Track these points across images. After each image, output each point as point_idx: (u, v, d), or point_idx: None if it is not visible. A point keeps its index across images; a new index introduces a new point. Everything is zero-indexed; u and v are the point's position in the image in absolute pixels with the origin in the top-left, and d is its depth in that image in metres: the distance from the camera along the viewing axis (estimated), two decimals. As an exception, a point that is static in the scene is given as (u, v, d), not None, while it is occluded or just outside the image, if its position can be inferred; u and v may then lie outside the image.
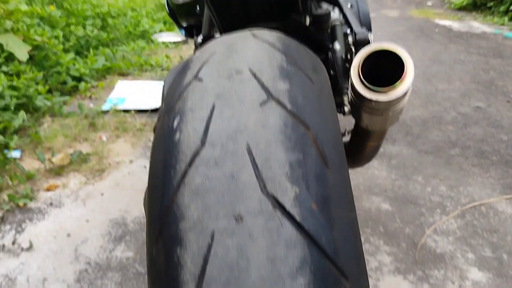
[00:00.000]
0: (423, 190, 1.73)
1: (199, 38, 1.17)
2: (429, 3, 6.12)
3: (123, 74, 3.08)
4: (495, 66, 3.28)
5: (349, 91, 0.72)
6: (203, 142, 0.45)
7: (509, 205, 1.64)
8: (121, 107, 2.49)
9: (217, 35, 1.14)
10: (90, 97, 2.67)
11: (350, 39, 0.92)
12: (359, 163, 1.02)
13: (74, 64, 2.78)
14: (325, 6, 1.03)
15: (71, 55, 2.84)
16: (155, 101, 2.58)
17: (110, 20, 3.67)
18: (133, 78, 3.02)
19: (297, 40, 0.62)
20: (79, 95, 2.67)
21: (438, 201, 1.66)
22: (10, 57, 2.48)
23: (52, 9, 3.17)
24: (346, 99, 1.02)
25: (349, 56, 1.00)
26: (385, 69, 0.65)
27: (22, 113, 2.09)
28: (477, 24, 4.92)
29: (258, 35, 0.58)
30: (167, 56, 3.40)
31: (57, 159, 1.88)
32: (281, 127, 0.44)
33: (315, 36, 0.91)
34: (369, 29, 1.40)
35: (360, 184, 1.78)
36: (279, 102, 0.47)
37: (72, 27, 3.21)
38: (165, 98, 0.59)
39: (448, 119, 2.39)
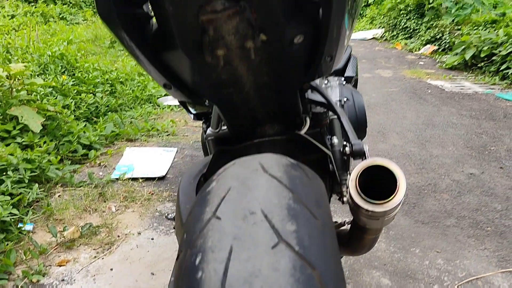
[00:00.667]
0: (421, 264, 1.80)
1: (209, 130, 1.27)
2: (421, 62, 6.38)
3: (131, 140, 3.20)
4: (488, 130, 3.42)
5: (348, 197, 0.83)
6: (223, 285, 0.53)
7: (505, 279, 1.71)
8: (130, 175, 2.59)
9: (224, 127, 1.25)
10: (99, 164, 2.78)
11: (347, 149, 1.02)
12: (359, 252, 1.10)
13: (84, 132, 2.91)
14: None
15: (82, 124, 2.97)
16: (161, 169, 2.68)
17: (118, 86, 3.84)
18: (141, 144, 3.14)
19: (301, 165, 0.72)
20: (89, 163, 2.77)
21: (436, 275, 1.73)
22: (24, 128, 2.60)
23: (64, 79, 3.35)
24: (344, 190, 1.11)
25: (345, 157, 1.11)
26: (380, 178, 0.77)
27: (35, 187, 2.19)
28: (469, 84, 5.13)
29: (267, 168, 0.68)
30: (172, 121, 3.54)
31: (68, 233, 1.96)
32: (290, 270, 0.53)
33: (316, 145, 1.01)
34: (365, 120, 1.53)
35: (360, 257, 1.85)
36: (288, 244, 0.56)
37: (83, 95, 3.37)
38: (186, 229, 0.68)
39: (443, 186, 2.49)
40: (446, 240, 1.98)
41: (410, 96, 4.51)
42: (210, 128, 1.29)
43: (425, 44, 7.20)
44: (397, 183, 0.77)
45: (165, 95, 4.28)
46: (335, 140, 1.17)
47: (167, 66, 0.90)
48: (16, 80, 2.67)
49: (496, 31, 5.60)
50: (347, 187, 0.83)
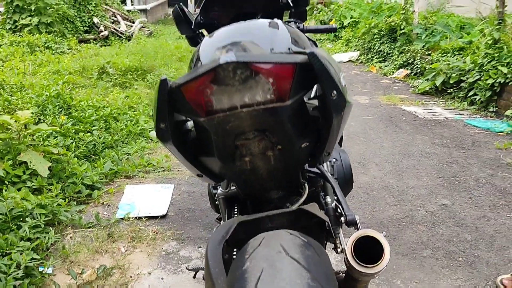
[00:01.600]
0: (403, 294, 2.07)
1: (219, 190, 1.51)
2: (395, 87, 6.76)
3: (129, 177, 3.40)
4: (458, 159, 3.75)
5: (345, 259, 1.09)
6: None
7: (473, 306, 1.99)
8: (133, 214, 2.79)
9: (233, 187, 1.49)
10: (103, 203, 2.97)
11: (342, 219, 1.28)
12: None
13: (86, 172, 3.10)
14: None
15: (84, 165, 3.16)
16: (162, 207, 2.89)
17: (112, 122, 4.03)
18: (139, 181, 3.35)
19: (311, 242, 0.96)
20: (93, 203, 2.96)
21: (416, 305, 1.99)
22: (33, 172, 2.78)
23: (63, 119, 3.53)
24: (337, 242, 1.36)
25: (337, 214, 1.36)
26: (369, 242, 1.04)
27: (52, 232, 2.38)
28: (440, 110, 5.50)
29: (287, 249, 0.92)
30: (166, 156, 3.75)
31: (86, 275, 2.15)
32: None
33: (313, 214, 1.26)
34: (351, 177, 1.79)
35: (350, 290, 2.09)
36: None
37: (81, 134, 3.55)
38: None
39: (419, 218, 2.77)
40: (423, 271, 2.25)
41: (386, 124, 4.83)
42: (220, 188, 1.53)
43: (398, 68, 7.59)
44: (384, 251, 1.05)
45: (156, 127, 4.48)
46: (328, 199, 1.43)
47: (200, 162, 1.17)
48: (24, 127, 2.85)
49: (463, 58, 6.00)
50: (344, 251, 1.10)
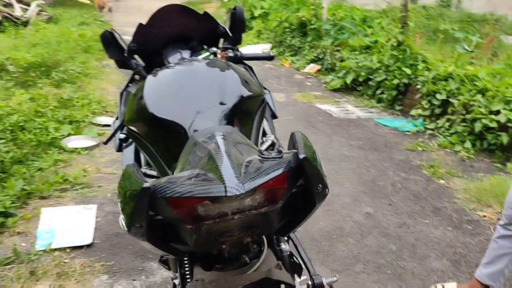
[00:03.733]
0: (343, 316, 2.15)
1: None
2: (308, 83, 6.97)
3: (44, 197, 3.11)
4: (374, 162, 3.98)
5: None
6: None
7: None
8: (55, 245, 2.57)
9: None
10: (19, 232, 2.69)
11: (309, 282, 1.28)
12: None
13: (-4, 197, 2.78)
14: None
15: (-6, 191, 2.83)
16: (87, 234, 2.69)
17: (20, 133, 3.66)
18: (56, 202, 3.08)
19: None
20: (7, 232, 2.67)
21: (356, 326, 2.09)
22: None
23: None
24: None
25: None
26: None
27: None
28: (352, 108, 5.78)
29: None
30: (84, 170, 3.50)
31: (10, 328, 1.94)
32: None
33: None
34: None
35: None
36: None
37: (-16, 150, 3.17)
38: None
39: (347, 229, 2.90)
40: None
41: (305, 125, 4.97)
42: None
43: (309, 63, 7.82)
44: None
45: (69, 135, 4.16)
46: (283, 245, 1.41)
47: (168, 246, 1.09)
48: None
49: (370, 57, 6.33)
50: None
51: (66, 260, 2.46)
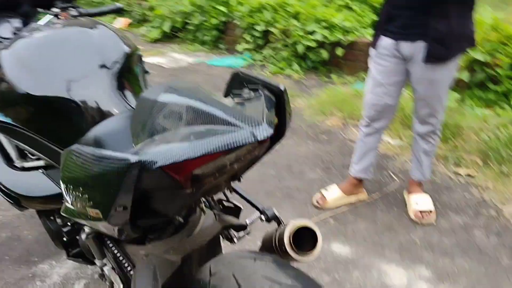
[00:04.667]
0: None
1: (86, 229, 1.27)
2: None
3: None
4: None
5: (275, 247, 1.16)
6: None
7: None
8: None
9: None
10: None
11: (263, 217, 1.34)
12: None
13: None
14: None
15: None
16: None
17: None
18: None
19: None
20: None
21: None
22: None
23: None
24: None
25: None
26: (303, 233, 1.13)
27: None
28: (178, 56, 5.74)
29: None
30: None
31: None
32: None
33: None
34: None
35: None
36: None
37: None
38: None
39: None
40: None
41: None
42: (86, 228, 1.26)
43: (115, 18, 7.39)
44: (317, 238, 1.15)
45: None
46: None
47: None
48: None
49: (182, 1, 6.25)
50: (278, 242, 1.16)
51: None
